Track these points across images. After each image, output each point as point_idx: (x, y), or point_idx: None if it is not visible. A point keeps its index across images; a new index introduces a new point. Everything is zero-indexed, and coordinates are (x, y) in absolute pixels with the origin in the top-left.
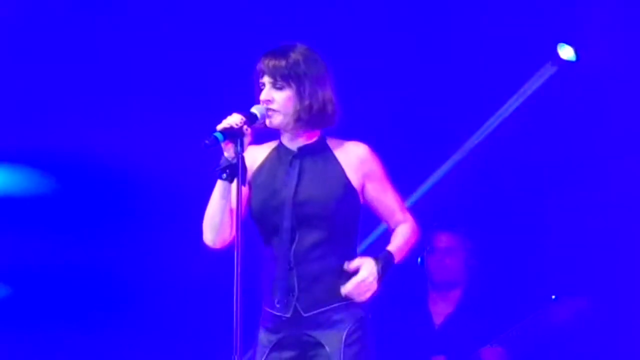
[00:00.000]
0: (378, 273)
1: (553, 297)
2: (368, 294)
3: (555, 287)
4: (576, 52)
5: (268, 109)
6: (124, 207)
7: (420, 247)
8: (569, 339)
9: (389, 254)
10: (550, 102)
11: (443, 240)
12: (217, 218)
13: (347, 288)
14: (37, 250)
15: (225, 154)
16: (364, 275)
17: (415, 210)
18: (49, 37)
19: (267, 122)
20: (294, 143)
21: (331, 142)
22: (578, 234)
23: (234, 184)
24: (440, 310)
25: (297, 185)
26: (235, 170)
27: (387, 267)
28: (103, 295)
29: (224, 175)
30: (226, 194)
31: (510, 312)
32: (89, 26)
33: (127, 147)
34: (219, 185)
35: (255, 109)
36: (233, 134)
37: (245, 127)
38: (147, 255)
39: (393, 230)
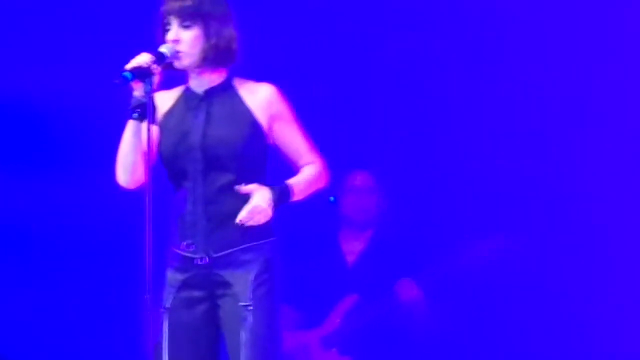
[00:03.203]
0: (272, 200)
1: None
2: (262, 220)
3: (470, 226)
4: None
5: (177, 50)
6: (38, 148)
7: (334, 185)
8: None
9: (286, 186)
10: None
11: (358, 179)
12: (130, 158)
13: (240, 215)
14: None
15: (135, 93)
16: (257, 201)
17: (330, 149)
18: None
19: (177, 63)
20: (200, 86)
21: (238, 83)
22: (494, 174)
23: (145, 124)
24: (353, 248)
25: (204, 129)
26: (145, 109)
27: (282, 198)
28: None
29: (135, 115)
30: (137, 134)
31: (423, 249)
32: None
33: (38, 89)
34: (130, 125)
35: (164, 48)
36: (142, 73)
37: (154, 66)
38: (56, 197)
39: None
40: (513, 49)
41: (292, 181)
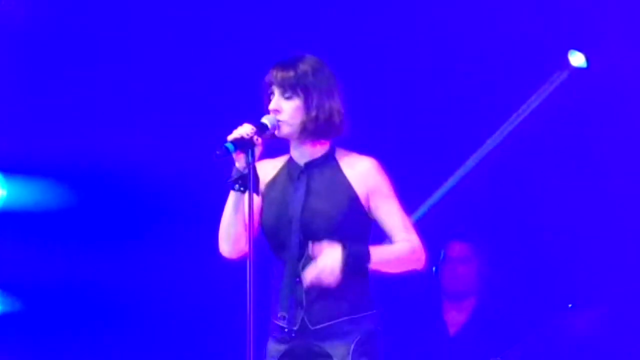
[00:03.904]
0: (342, 261)
1: (570, 305)
2: (331, 280)
3: (571, 296)
4: (587, 58)
5: (277, 120)
6: (140, 219)
7: (435, 256)
8: (585, 349)
9: (365, 250)
10: (561, 109)
11: (456, 249)
12: (232, 229)
13: (306, 279)
14: (52, 263)
15: (237, 164)
16: (324, 262)
17: (429, 220)
18: (67, 53)
19: (277, 132)
20: (302, 156)
21: (339, 155)
22: (593, 243)
23: (247, 194)
24: (454, 319)
25: (304, 201)
26: (247, 180)
27: (355, 260)
28: (118, 310)
29: (237, 186)
30: (239, 205)
31: (525, 321)
32: (112, 45)
33: (142, 160)
34: (232, 196)
35: (265, 119)
36: (244, 144)
37: (255, 137)
38: (160, 266)
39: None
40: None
41: (375, 248)
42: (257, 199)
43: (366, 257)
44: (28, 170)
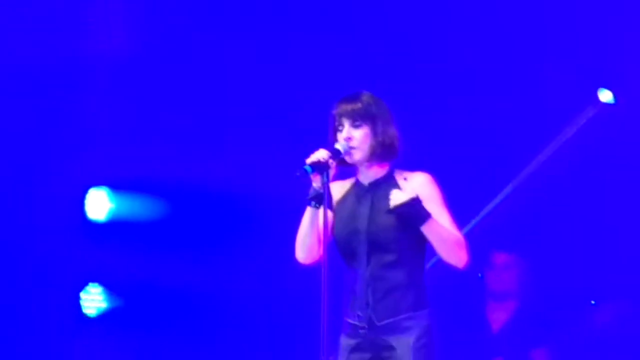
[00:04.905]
0: (413, 196)
1: (592, 302)
2: (403, 197)
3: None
4: (614, 95)
5: (350, 147)
6: (228, 230)
7: (481, 263)
8: (612, 342)
9: (427, 210)
10: (590, 144)
11: (500, 258)
12: (307, 239)
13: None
14: (152, 266)
15: (314, 184)
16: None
17: (476, 231)
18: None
19: (348, 158)
20: (367, 178)
21: (398, 174)
22: (620, 261)
23: (321, 210)
24: (497, 318)
25: (369, 216)
26: (322, 198)
27: (420, 208)
28: (206, 309)
29: (313, 203)
30: (314, 219)
31: (558, 319)
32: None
33: (231, 180)
34: (309, 211)
35: (338, 146)
36: (320, 167)
37: (330, 160)
38: (245, 272)
39: None
40: None
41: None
42: (329, 214)
43: (428, 213)
44: (132, 186)
